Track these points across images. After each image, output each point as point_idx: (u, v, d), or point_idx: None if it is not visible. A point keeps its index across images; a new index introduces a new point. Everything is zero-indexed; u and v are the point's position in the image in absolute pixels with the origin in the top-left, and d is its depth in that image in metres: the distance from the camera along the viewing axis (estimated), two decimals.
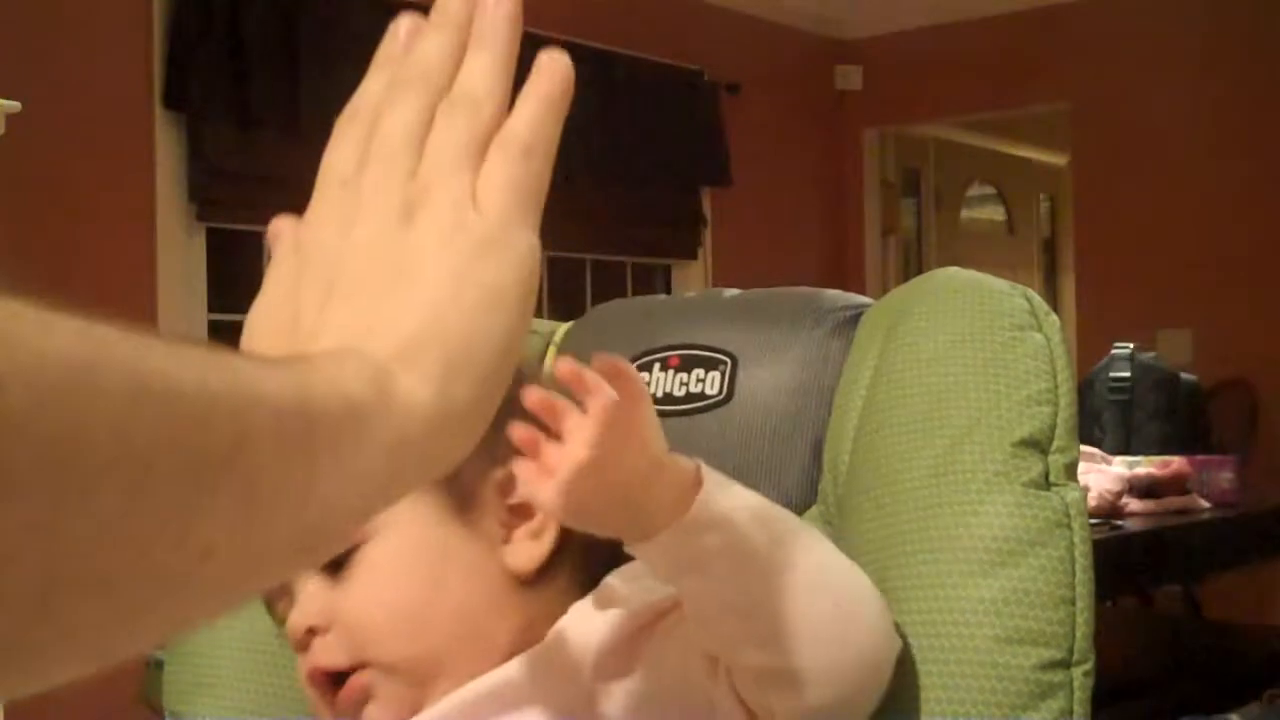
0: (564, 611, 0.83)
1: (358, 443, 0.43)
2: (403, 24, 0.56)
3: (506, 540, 0.83)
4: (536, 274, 0.51)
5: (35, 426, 0.31)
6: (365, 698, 0.81)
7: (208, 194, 3.74)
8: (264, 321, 0.53)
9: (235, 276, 3.98)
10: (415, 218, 0.50)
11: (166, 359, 0.37)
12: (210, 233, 3.81)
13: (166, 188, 3.68)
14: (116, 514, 0.34)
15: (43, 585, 0.32)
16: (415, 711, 0.80)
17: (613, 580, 0.82)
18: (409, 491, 0.46)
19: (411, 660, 0.80)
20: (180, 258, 3.72)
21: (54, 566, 0.32)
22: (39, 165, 3.36)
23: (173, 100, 3.66)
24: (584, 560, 0.84)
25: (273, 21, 3.80)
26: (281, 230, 0.56)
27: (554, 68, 0.53)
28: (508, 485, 0.81)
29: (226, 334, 3.96)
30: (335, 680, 0.81)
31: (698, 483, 0.70)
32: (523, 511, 0.83)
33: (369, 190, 0.51)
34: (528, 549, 0.83)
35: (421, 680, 0.80)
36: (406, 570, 0.81)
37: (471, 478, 0.82)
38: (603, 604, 0.81)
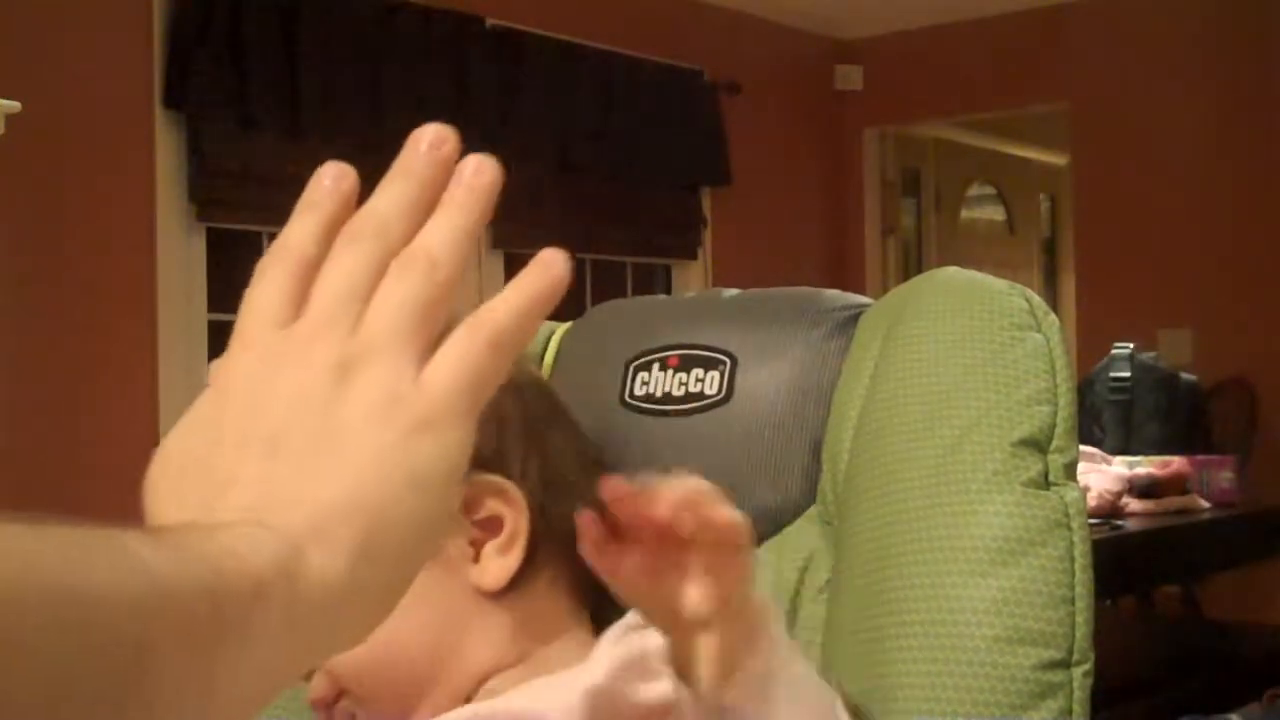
0: (549, 614, 0.83)
1: (264, 627, 0.41)
2: (329, 171, 0.52)
3: (475, 559, 0.82)
4: (465, 464, 0.47)
5: None
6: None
7: (208, 194, 3.74)
8: (177, 459, 0.48)
9: (235, 276, 3.97)
10: (351, 380, 0.46)
11: (71, 565, 0.35)
12: (210, 233, 3.81)
13: (166, 188, 3.68)
14: None
15: None
16: None
17: (626, 654, 0.79)
18: (310, 666, 0.44)
19: (388, 690, 0.80)
20: (180, 258, 3.72)
21: None
22: (39, 165, 3.36)
23: (173, 100, 3.66)
24: (562, 563, 0.83)
25: (273, 21, 3.80)
26: (218, 364, 0.52)
27: (554, 264, 0.49)
28: (473, 502, 0.81)
29: (227, 334, 3.94)
30: (330, 703, 0.82)
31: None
32: (490, 526, 0.82)
33: (304, 340, 0.47)
34: (496, 565, 0.82)
35: (403, 705, 0.81)
36: None
37: None
38: (605, 675, 0.77)
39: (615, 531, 0.66)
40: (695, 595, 0.65)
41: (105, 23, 3.58)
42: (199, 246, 3.78)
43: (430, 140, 0.50)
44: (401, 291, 0.47)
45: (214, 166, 3.74)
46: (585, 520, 0.66)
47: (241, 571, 0.40)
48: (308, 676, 0.82)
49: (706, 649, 0.67)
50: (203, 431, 0.48)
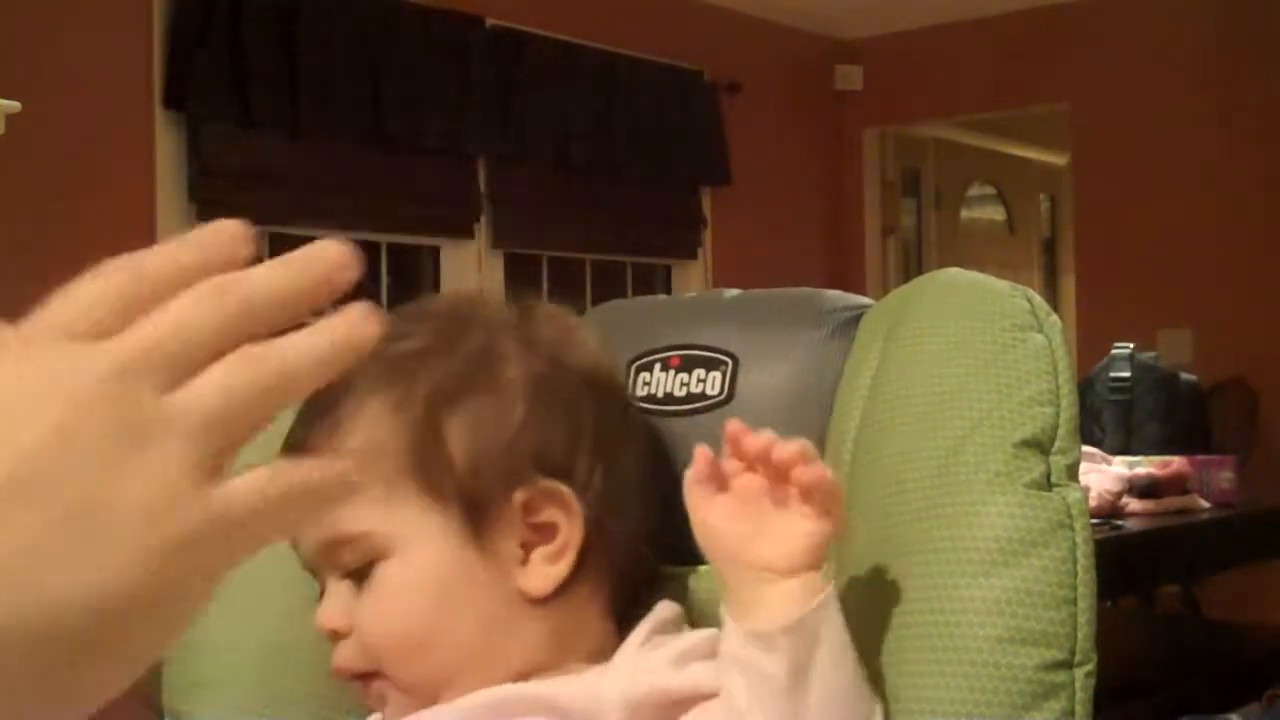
0: (583, 625, 0.84)
1: None
2: (228, 228, 0.44)
3: (524, 562, 0.83)
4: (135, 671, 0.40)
5: None
6: (380, 701, 0.83)
7: (208, 194, 3.74)
8: None
9: None
10: (140, 448, 0.39)
11: None
12: None
13: (166, 188, 3.68)
14: None
15: None
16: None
17: (664, 652, 0.81)
18: None
19: (421, 679, 0.82)
20: None
21: None
22: (39, 165, 3.36)
23: (173, 100, 3.66)
24: (604, 575, 0.85)
25: (273, 21, 3.80)
26: None
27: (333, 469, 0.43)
28: (532, 505, 0.82)
29: None
30: (360, 676, 0.83)
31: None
32: (545, 532, 0.83)
33: (103, 355, 0.39)
34: (544, 571, 0.83)
35: (431, 695, 0.82)
36: (417, 593, 0.81)
37: (490, 498, 0.82)
38: (647, 664, 0.80)
39: (716, 475, 0.75)
40: (772, 546, 0.74)
41: (105, 23, 3.58)
42: None
43: (333, 261, 0.43)
44: (237, 378, 0.41)
45: (214, 166, 3.74)
46: (700, 452, 0.75)
47: None
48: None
49: (771, 595, 0.73)
50: None
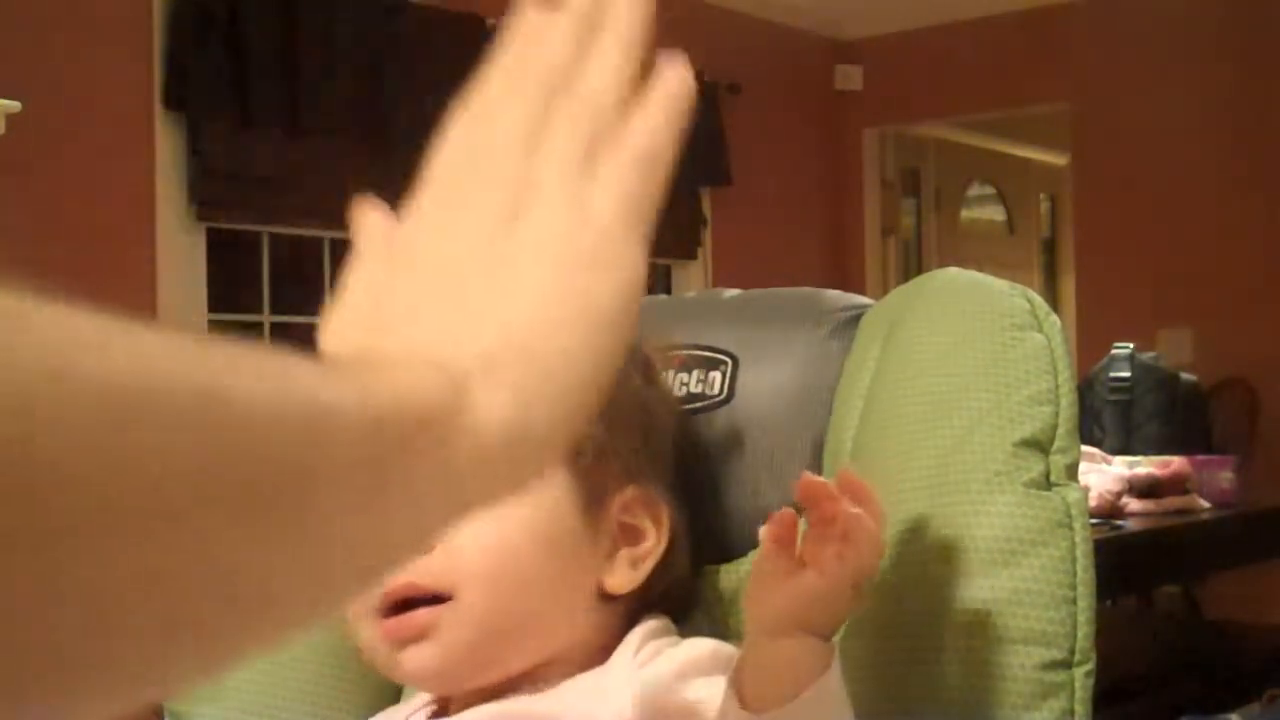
0: (615, 630, 0.84)
1: (429, 463, 0.39)
2: (527, 16, 0.51)
3: (610, 556, 0.84)
4: (640, 293, 0.47)
5: (83, 467, 0.29)
6: (420, 635, 0.80)
7: (208, 194, 3.74)
8: (346, 313, 0.49)
9: (235, 276, 3.98)
10: (520, 220, 0.47)
11: (235, 378, 0.34)
12: (210, 233, 3.81)
13: (166, 188, 3.68)
14: (173, 551, 0.31)
15: (82, 633, 0.30)
16: (452, 680, 0.81)
17: (666, 662, 0.81)
18: (470, 515, 0.42)
19: (483, 614, 0.80)
20: (180, 258, 3.72)
21: (96, 614, 0.30)
22: (39, 165, 3.36)
23: (173, 100, 3.66)
24: (655, 589, 0.86)
25: (273, 21, 3.80)
26: (368, 221, 0.53)
27: (677, 78, 0.51)
28: (631, 504, 0.84)
29: (226, 334, 3.94)
30: (409, 603, 0.80)
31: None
32: (632, 536, 0.85)
33: (475, 188, 0.48)
34: (624, 573, 0.84)
35: (478, 644, 0.80)
36: (526, 533, 0.81)
37: (605, 484, 0.84)
38: (648, 673, 0.80)
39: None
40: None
41: (105, 23, 3.58)
42: (199, 246, 3.78)
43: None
44: (568, 133, 0.48)
45: (214, 166, 3.74)
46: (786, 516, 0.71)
47: (407, 404, 0.39)
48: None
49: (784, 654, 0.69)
50: (373, 286, 0.49)
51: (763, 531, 0.70)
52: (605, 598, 0.84)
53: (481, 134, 0.50)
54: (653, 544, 0.85)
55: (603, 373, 0.45)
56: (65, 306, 0.30)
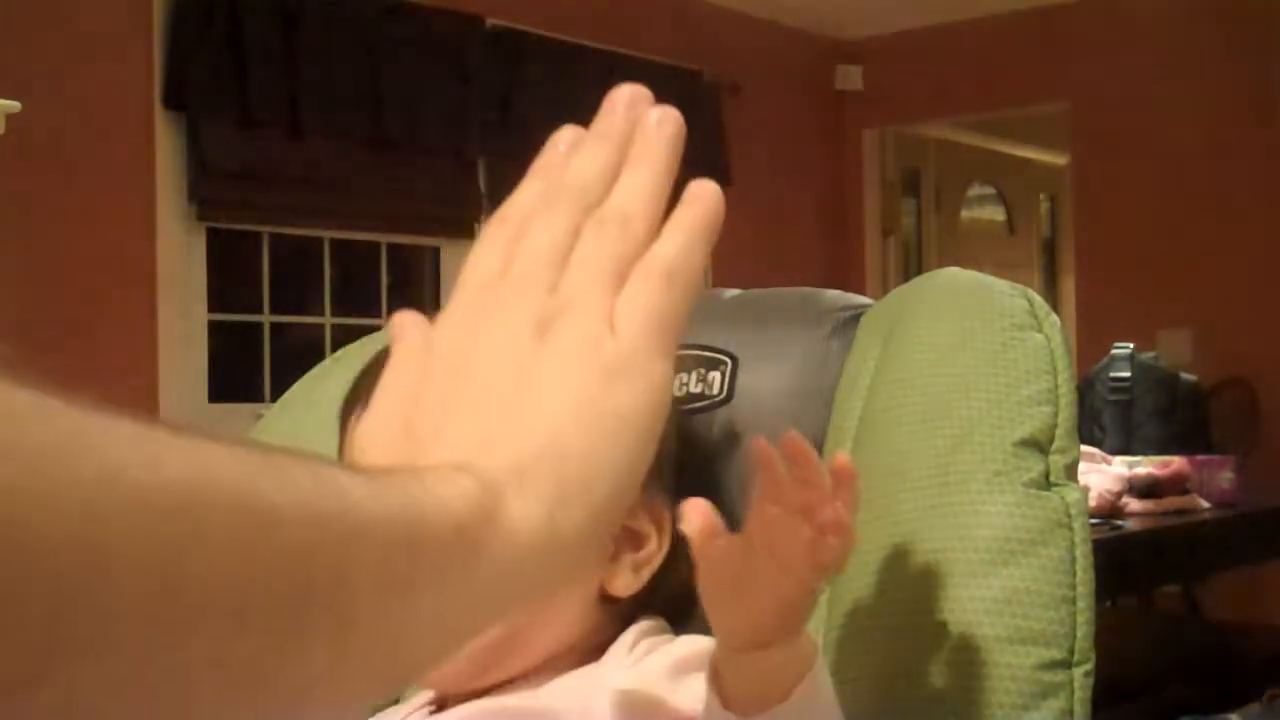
0: (609, 631, 0.83)
1: (462, 570, 0.41)
2: (564, 136, 0.54)
3: (613, 559, 0.84)
4: (667, 406, 0.49)
5: (133, 572, 0.30)
6: None
7: (208, 194, 3.74)
8: (381, 416, 0.51)
9: (235, 276, 3.98)
10: (550, 332, 0.48)
11: (273, 482, 0.35)
12: (210, 233, 3.81)
13: (166, 188, 3.68)
14: (208, 660, 0.32)
15: None
16: (456, 681, 0.81)
17: (660, 658, 0.80)
18: (504, 618, 0.44)
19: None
20: (180, 258, 3.72)
21: (141, 712, 0.31)
22: (39, 165, 3.36)
23: (173, 100, 3.66)
24: (650, 595, 0.86)
25: (273, 21, 3.80)
26: (405, 326, 0.54)
27: (705, 195, 0.53)
28: (634, 508, 0.83)
29: (226, 334, 3.98)
30: None
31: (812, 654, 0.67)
32: (633, 539, 0.84)
33: (507, 298, 0.50)
34: (626, 577, 0.84)
35: (485, 645, 0.79)
36: None
37: None
38: (642, 669, 0.80)
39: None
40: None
41: (105, 23, 3.58)
42: (199, 246, 3.78)
43: (626, 102, 0.54)
44: (597, 249, 0.50)
45: (214, 166, 3.74)
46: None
47: (442, 512, 0.40)
48: None
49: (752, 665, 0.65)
50: (407, 391, 0.50)
51: (693, 530, 0.63)
52: (605, 600, 0.84)
53: (514, 246, 0.51)
54: (654, 549, 0.85)
55: (631, 481, 0.47)
56: (117, 416, 0.32)
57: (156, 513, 0.31)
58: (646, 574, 0.84)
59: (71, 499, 0.29)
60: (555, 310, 0.49)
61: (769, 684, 0.66)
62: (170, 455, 0.32)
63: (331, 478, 0.38)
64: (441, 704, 0.85)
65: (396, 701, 0.94)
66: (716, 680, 0.67)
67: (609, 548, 0.84)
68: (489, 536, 0.41)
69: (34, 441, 0.29)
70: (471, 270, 0.52)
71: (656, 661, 0.80)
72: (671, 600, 0.88)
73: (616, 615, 0.85)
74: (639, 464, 0.47)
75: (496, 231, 0.52)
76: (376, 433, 0.51)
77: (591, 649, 0.83)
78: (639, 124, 0.53)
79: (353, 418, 0.85)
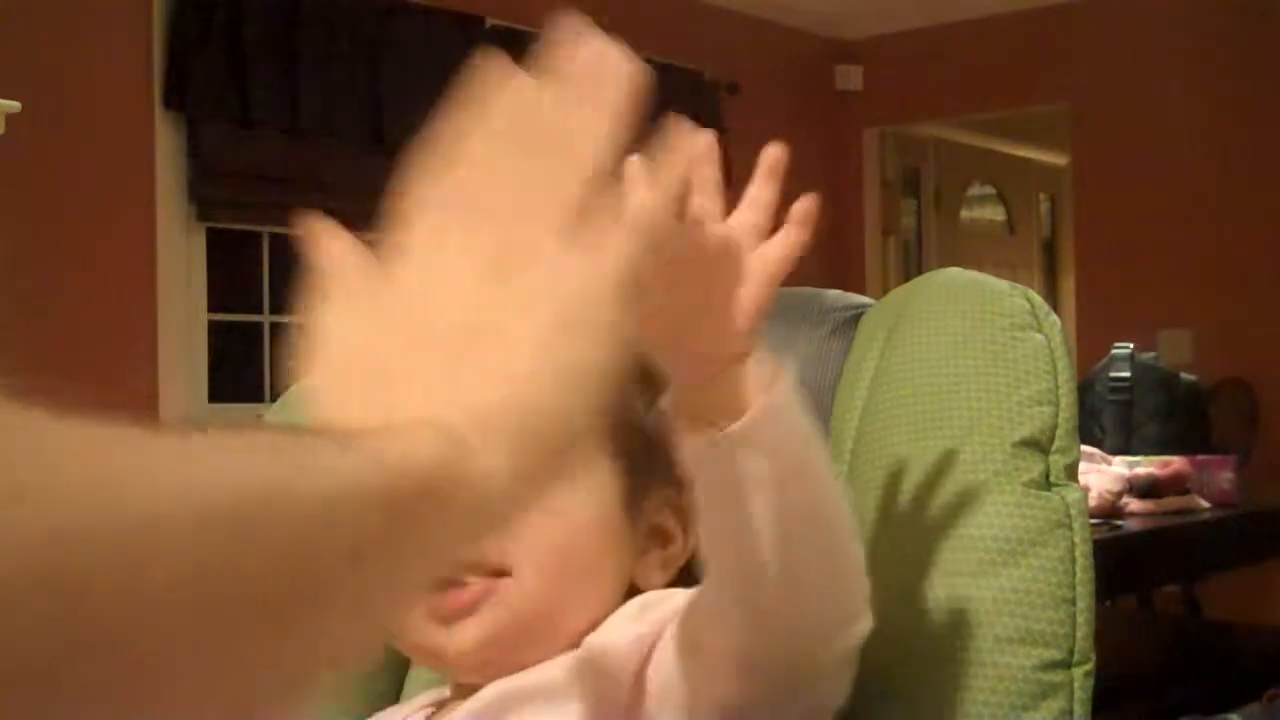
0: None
1: (436, 515, 0.43)
2: (519, 79, 0.54)
3: (643, 554, 0.84)
4: (621, 354, 0.50)
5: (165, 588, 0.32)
6: (473, 607, 0.79)
7: (208, 194, 3.74)
8: (332, 365, 0.52)
9: (235, 276, 3.98)
10: (508, 279, 0.49)
11: (279, 468, 0.38)
12: (210, 233, 3.81)
13: (166, 188, 3.68)
14: (221, 650, 0.35)
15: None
16: (487, 659, 0.80)
17: (630, 608, 0.81)
18: (476, 544, 0.47)
19: (534, 591, 0.79)
20: (180, 258, 3.72)
21: (177, 693, 0.34)
22: (39, 165, 3.36)
23: (173, 100, 3.67)
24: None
25: (273, 21, 3.80)
26: (333, 253, 0.54)
27: (688, 147, 0.54)
28: (663, 507, 0.83)
29: (226, 334, 3.97)
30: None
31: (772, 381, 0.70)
32: (663, 538, 0.84)
33: (463, 246, 0.50)
34: (654, 574, 0.83)
35: (522, 624, 0.79)
36: (579, 526, 0.81)
37: (647, 485, 0.83)
38: (638, 619, 0.80)
39: None
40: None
41: (105, 23, 3.58)
42: (199, 246, 3.78)
43: (586, 52, 0.56)
44: (554, 199, 0.50)
45: (214, 166, 3.74)
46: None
47: (414, 470, 0.42)
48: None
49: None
50: (356, 326, 0.51)
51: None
52: (631, 594, 0.83)
53: (468, 191, 0.51)
54: (680, 548, 0.84)
55: (579, 429, 0.48)
56: (105, 427, 0.35)
57: (154, 524, 0.33)
58: (671, 573, 0.84)
59: (76, 520, 0.31)
60: (513, 260, 0.49)
61: (730, 399, 0.69)
62: (162, 465, 0.35)
63: (311, 450, 0.40)
64: (440, 708, 0.85)
65: (396, 700, 0.94)
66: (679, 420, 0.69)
67: (640, 544, 0.84)
68: (459, 484, 0.43)
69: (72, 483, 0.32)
70: (422, 211, 0.52)
71: (628, 609, 0.80)
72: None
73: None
74: (589, 412, 0.49)
75: (449, 174, 0.52)
76: (330, 380, 0.51)
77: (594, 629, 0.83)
78: (597, 69, 0.54)
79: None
